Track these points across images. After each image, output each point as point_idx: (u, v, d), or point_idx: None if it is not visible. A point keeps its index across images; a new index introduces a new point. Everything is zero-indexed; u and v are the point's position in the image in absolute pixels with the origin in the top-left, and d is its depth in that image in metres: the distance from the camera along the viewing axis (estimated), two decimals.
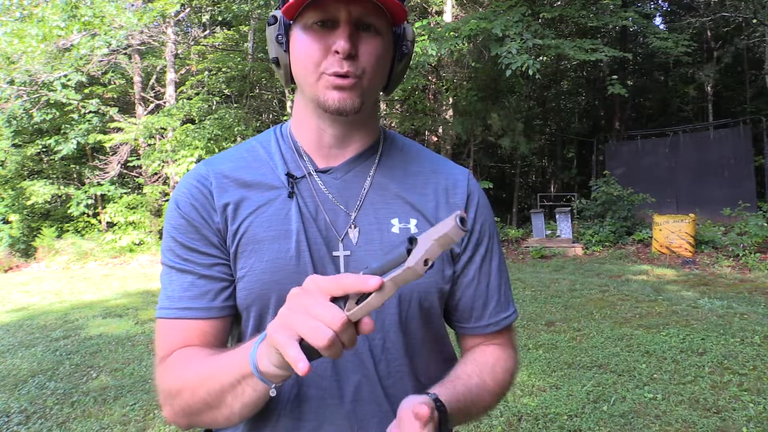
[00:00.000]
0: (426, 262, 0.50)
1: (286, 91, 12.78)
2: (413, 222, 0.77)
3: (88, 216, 13.74)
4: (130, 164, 13.71)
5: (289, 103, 12.91)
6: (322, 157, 0.79)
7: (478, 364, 0.79)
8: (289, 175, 0.76)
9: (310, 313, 0.51)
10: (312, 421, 0.72)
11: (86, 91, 13.25)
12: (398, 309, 0.75)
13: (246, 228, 0.74)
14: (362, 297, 0.52)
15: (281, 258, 0.73)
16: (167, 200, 13.64)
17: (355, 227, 0.76)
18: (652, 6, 16.76)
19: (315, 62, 0.70)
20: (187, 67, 15.05)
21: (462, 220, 0.50)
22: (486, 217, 0.84)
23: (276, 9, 0.75)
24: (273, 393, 0.59)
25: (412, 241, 0.51)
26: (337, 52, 0.68)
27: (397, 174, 0.80)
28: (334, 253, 0.74)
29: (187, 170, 11.53)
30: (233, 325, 0.79)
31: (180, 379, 0.68)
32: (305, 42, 0.70)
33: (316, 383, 0.72)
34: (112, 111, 13.10)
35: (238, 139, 13.54)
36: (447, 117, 12.34)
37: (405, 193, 0.79)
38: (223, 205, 0.75)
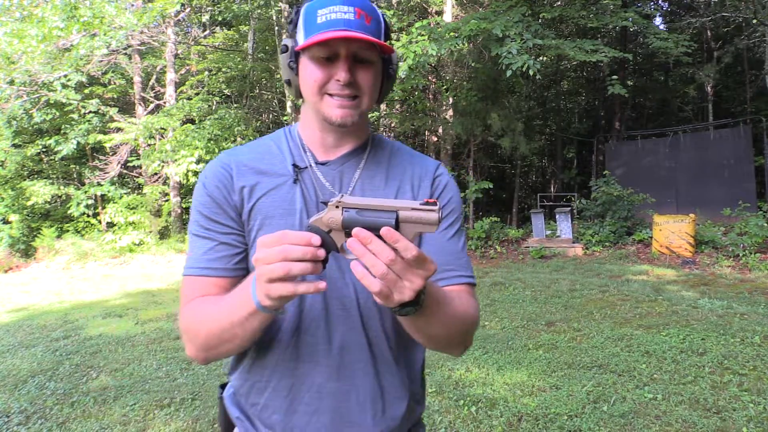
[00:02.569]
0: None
1: (287, 92, 12.75)
2: None
3: (88, 216, 13.73)
4: (130, 164, 13.71)
5: (288, 103, 12.91)
6: (322, 152, 0.96)
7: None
8: (294, 165, 0.93)
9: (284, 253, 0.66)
10: (308, 363, 0.90)
11: (86, 91, 13.25)
12: None
13: (259, 206, 0.91)
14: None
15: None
16: (167, 200, 13.67)
17: None
18: (652, 6, 16.76)
19: (319, 86, 0.87)
20: (187, 67, 15.04)
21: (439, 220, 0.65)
22: (453, 195, 1.00)
23: (286, 38, 0.93)
24: (282, 315, 0.80)
25: (397, 224, 0.64)
26: (338, 80, 0.86)
27: (381, 166, 0.98)
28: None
29: (187, 170, 11.67)
30: None
31: (196, 321, 0.84)
32: (313, 70, 0.87)
33: (311, 332, 0.89)
34: (112, 111, 13.09)
35: (238, 139, 13.52)
36: (447, 117, 12.33)
37: (387, 181, 0.96)
38: (240, 187, 0.92)
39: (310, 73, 0.88)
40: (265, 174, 0.93)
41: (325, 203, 0.71)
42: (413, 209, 0.64)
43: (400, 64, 9.37)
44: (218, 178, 0.92)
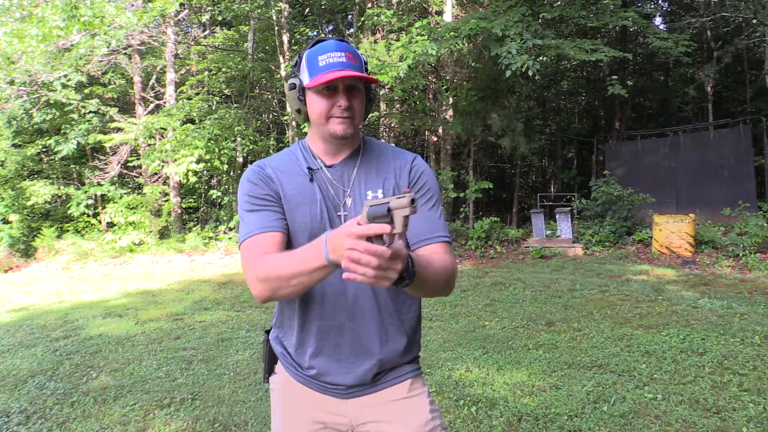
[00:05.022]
0: (406, 225, 0.91)
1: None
2: (379, 192, 1.28)
3: (88, 216, 13.72)
4: (130, 164, 13.70)
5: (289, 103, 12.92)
6: (329, 159, 1.30)
7: (423, 252, 1.22)
8: (309, 168, 1.28)
9: (368, 251, 0.89)
10: (330, 310, 1.24)
11: (86, 91, 13.24)
12: None
13: (287, 196, 1.25)
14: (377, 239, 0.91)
15: (313, 214, 1.24)
16: (167, 200, 13.66)
17: (350, 197, 1.27)
18: (652, 6, 16.75)
19: (326, 110, 1.22)
20: (187, 67, 15.03)
21: (413, 201, 0.88)
22: (428, 179, 1.32)
23: (292, 78, 1.27)
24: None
25: (389, 211, 0.90)
26: (340, 106, 1.20)
27: (372, 164, 1.31)
28: (338, 213, 1.26)
29: (187, 170, 11.67)
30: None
31: (271, 268, 1.10)
32: (320, 101, 1.22)
33: (333, 287, 1.22)
34: (112, 111, 13.08)
35: (239, 139, 13.53)
36: (447, 117, 12.33)
37: (376, 174, 1.29)
38: (275, 182, 1.26)
39: (318, 103, 1.22)
40: (288, 174, 1.27)
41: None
42: (396, 199, 0.90)
43: (400, 63, 9.38)
44: (257, 173, 1.27)
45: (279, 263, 1.10)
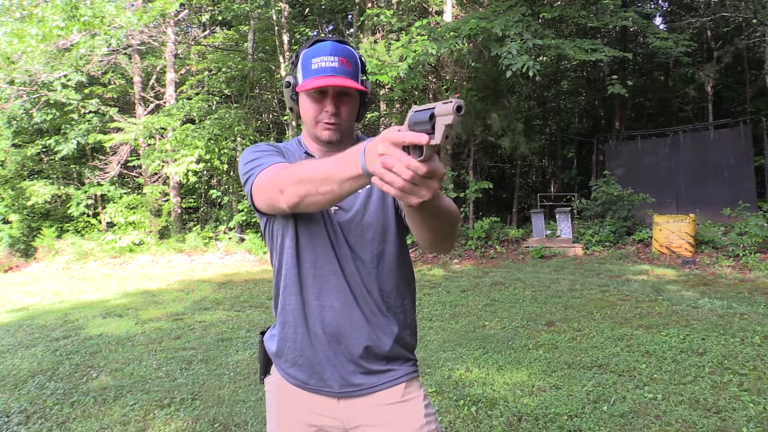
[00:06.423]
0: (447, 137, 0.77)
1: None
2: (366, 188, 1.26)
3: (88, 216, 13.72)
4: (130, 164, 13.70)
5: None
6: (322, 156, 1.29)
7: None
8: (306, 153, 1.31)
9: (401, 161, 0.79)
10: (322, 288, 1.24)
11: (86, 91, 13.24)
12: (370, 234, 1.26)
13: None
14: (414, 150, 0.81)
15: None
16: (167, 200, 13.65)
17: None
18: (652, 6, 16.74)
19: (315, 114, 1.24)
20: (187, 67, 15.03)
21: (459, 109, 0.74)
22: None
23: (288, 75, 1.28)
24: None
25: (432, 117, 0.78)
26: (327, 111, 1.22)
27: None
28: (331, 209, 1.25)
29: (187, 170, 11.67)
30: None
31: (304, 172, 1.00)
32: (309, 104, 1.24)
33: (327, 267, 1.23)
34: (112, 111, 13.08)
35: (238, 138, 13.52)
36: None
37: None
38: (284, 154, 1.28)
39: (307, 107, 1.24)
40: (291, 152, 1.31)
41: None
42: (442, 104, 0.78)
43: (400, 63, 9.38)
44: (266, 143, 1.28)
45: (312, 166, 1.02)
